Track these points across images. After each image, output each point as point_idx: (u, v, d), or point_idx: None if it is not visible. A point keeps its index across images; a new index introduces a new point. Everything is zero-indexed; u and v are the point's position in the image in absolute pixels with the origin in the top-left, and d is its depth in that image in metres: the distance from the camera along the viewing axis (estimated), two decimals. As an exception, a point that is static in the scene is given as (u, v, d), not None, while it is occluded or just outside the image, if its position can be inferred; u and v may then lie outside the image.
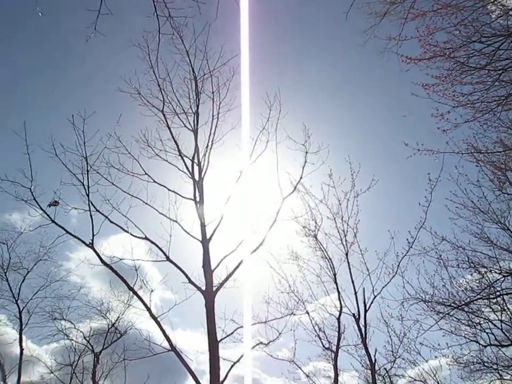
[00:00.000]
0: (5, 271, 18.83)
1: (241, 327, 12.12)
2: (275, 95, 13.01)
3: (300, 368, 14.52)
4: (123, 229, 12.46)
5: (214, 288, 11.94)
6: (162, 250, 12.28)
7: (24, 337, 18.76)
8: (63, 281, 20.51)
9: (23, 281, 19.14)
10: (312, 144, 13.13)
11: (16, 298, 18.92)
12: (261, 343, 12.96)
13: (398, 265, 13.79)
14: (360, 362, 14.52)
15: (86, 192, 12.36)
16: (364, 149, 23.35)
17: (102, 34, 6.79)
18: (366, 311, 13.77)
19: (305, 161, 13.11)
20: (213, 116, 13.35)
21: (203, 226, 12.44)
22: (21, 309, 18.85)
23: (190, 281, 12.07)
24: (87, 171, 12.36)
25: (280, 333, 12.96)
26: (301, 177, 13.27)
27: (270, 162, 13.13)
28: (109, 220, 12.39)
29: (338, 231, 14.35)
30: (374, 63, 17.44)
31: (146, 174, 12.93)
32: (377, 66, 17.44)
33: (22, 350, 18.23)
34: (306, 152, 13.12)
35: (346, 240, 14.22)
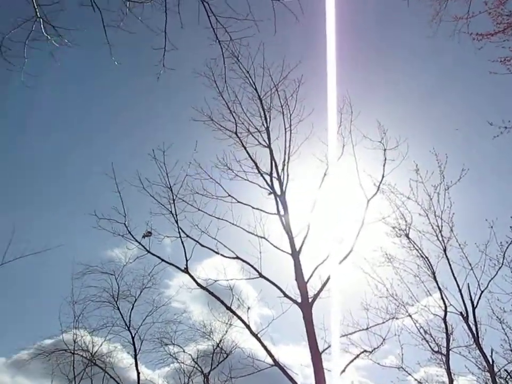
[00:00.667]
0: (116, 300, 20.15)
1: (344, 335, 11.97)
2: (344, 98, 12.98)
3: (410, 374, 13.96)
4: (214, 251, 12.87)
5: (310, 300, 11.90)
6: (254, 268, 12.52)
7: (139, 362, 19.82)
8: (167, 306, 21.46)
9: (132, 309, 20.35)
10: (390, 140, 12.89)
11: (128, 326, 20.10)
12: (365, 351, 12.66)
13: (504, 255, 12.98)
14: (476, 364, 13.65)
15: (175, 220, 12.97)
16: (447, 139, 22.21)
17: (171, 69, 7.31)
18: (474, 308, 12.99)
19: (385, 159, 12.89)
20: (285, 129, 13.59)
21: (291, 239, 12.53)
22: (133, 335, 20.00)
23: (285, 295, 12.15)
24: (173, 200, 13.00)
25: (384, 339, 12.60)
26: (383, 176, 13.01)
27: (349, 166, 13.02)
28: (199, 244, 12.87)
29: (433, 227, 13.81)
30: (444, 49, 16.66)
31: (229, 195, 13.33)
32: (448, 51, 16.64)
33: (138, 374, 19.30)
34: (385, 150, 12.89)
35: (442, 236, 13.64)
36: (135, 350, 19.78)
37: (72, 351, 19.37)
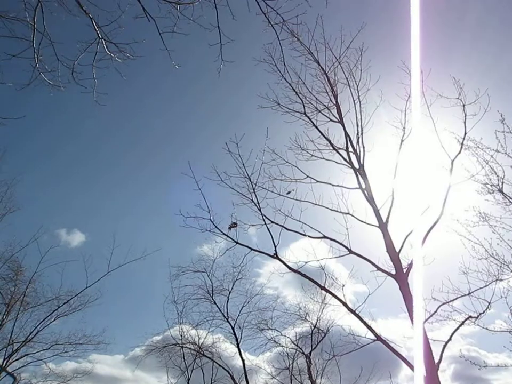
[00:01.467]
0: (211, 295, 21.10)
1: (445, 303, 11.51)
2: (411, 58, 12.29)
3: (524, 337, 13.07)
4: (300, 233, 12.90)
5: (405, 270, 11.59)
6: (343, 245, 12.41)
7: (242, 350, 20.64)
8: (260, 294, 22.09)
9: (227, 301, 21.21)
10: (468, 94, 12.07)
11: (227, 317, 21.02)
12: (470, 317, 12.07)
13: None
14: None
15: (258, 208, 13.17)
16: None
17: (230, 61, 7.40)
18: None
19: (465, 115, 12.09)
20: (354, 101, 13.29)
21: (376, 211, 12.26)
22: (233, 326, 20.86)
23: (378, 268, 11.93)
24: (253, 189, 13.19)
25: (489, 303, 11.92)
26: (465, 133, 12.20)
27: (427, 127, 12.39)
28: (285, 228, 12.97)
29: (528, 178, 12.71)
30: None
31: (308, 176, 13.31)
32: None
33: (243, 361, 20.11)
34: (464, 105, 12.09)
35: (541, 186, 12.52)
36: (236, 339, 20.60)
37: (181, 345, 20.61)
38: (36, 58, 6.39)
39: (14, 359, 18.23)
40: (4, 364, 17.40)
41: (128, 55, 7.03)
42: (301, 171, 13.38)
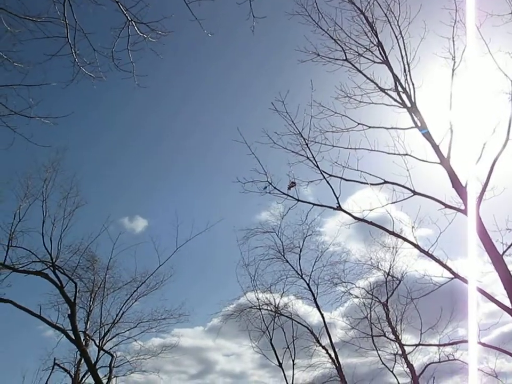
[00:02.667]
0: (283, 254, 21.47)
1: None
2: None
3: None
4: (360, 182, 12.66)
5: (474, 204, 11.11)
6: (405, 187, 12.05)
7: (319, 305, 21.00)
8: (330, 249, 22.25)
9: (299, 258, 21.55)
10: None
11: (301, 274, 21.41)
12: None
13: None
14: None
15: (314, 164, 13.00)
16: None
17: (262, 17, 7.21)
18: None
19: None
20: (396, 37, 12.59)
21: (436, 147, 11.76)
22: (308, 282, 21.20)
23: (446, 206, 11.53)
24: (306, 145, 13.00)
25: None
26: (525, 50, 11.27)
27: (480, 52, 11.54)
28: (344, 179, 12.73)
29: None
30: None
31: (359, 123, 12.92)
32: None
33: (322, 315, 20.55)
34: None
35: None
36: (313, 294, 20.95)
37: (258, 307, 21.24)
38: (74, 53, 6.55)
39: (108, 340, 19.65)
40: (100, 344, 18.78)
41: (160, 32, 7.04)
42: (351, 119, 13.01)
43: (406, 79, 12.48)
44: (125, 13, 6.44)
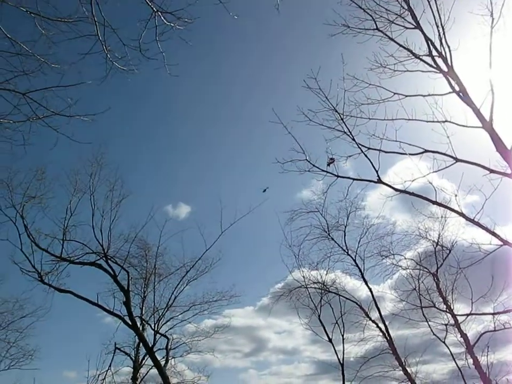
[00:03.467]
0: (328, 232, 21.51)
1: None
2: None
3: None
4: (400, 153, 12.43)
5: (521, 168, 10.72)
6: (447, 155, 11.73)
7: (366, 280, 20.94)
8: (374, 223, 22.03)
9: (344, 235, 21.54)
10: None
11: (347, 251, 21.39)
12: None
13: None
14: None
15: (351, 138, 12.85)
16: None
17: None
18: None
19: None
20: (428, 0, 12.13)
21: (477, 111, 11.35)
22: (354, 258, 21.16)
23: (491, 171, 11.16)
24: (342, 119, 12.85)
25: None
26: None
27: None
28: (382, 151, 12.51)
29: None
30: None
31: (395, 93, 12.64)
32: None
33: (370, 289, 20.49)
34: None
35: None
36: (360, 270, 20.89)
37: (305, 286, 21.41)
38: (105, 50, 6.76)
39: (162, 323, 20.42)
40: (156, 327, 19.56)
41: (186, 20, 7.14)
42: (387, 90, 12.72)
43: (441, 43, 12.06)
44: (150, 4, 6.57)
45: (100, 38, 6.58)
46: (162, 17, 6.88)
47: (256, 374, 33.60)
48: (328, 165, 13.48)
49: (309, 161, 13.22)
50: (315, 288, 21.81)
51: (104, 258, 17.82)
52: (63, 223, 17.66)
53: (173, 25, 7.09)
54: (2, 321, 19.85)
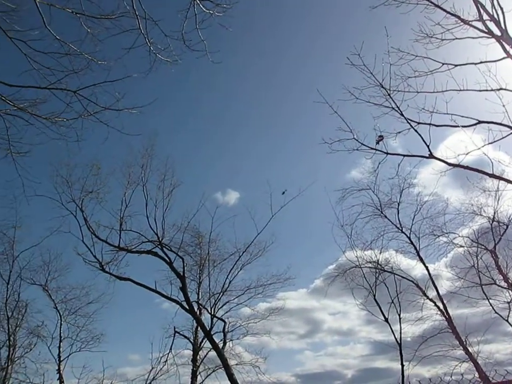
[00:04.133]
0: (381, 210, 21.20)
1: None
2: None
3: None
4: (452, 126, 11.97)
5: None
6: (503, 124, 11.13)
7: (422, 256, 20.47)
8: (428, 200, 21.46)
9: (398, 213, 21.12)
10: None
11: (400, 229, 20.97)
12: None
13: None
14: None
15: (399, 113, 12.41)
16: None
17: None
18: None
19: None
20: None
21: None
22: (409, 235, 20.74)
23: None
24: (389, 94, 12.46)
25: None
26: None
27: None
28: (433, 125, 12.01)
29: None
30: None
31: (443, 64, 12.11)
32: None
33: (426, 267, 20.00)
34: None
35: None
36: (415, 248, 20.42)
37: (359, 265, 21.20)
38: (148, 42, 6.90)
39: (219, 308, 20.90)
40: (212, 311, 20.06)
41: (224, 6, 7.15)
42: (435, 60, 12.19)
43: (493, 5, 11.37)
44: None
45: (142, 31, 6.72)
46: (201, 6, 6.92)
47: (312, 355, 33.85)
48: (377, 142, 13.16)
49: (357, 140, 12.97)
50: (370, 267, 21.56)
51: (159, 246, 18.44)
52: (119, 214, 18.45)
53: (211, 12, 7.11)
54: (71, 307, 21.02)
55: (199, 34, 7.36)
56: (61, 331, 19.97)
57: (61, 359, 19.05)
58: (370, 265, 21.46)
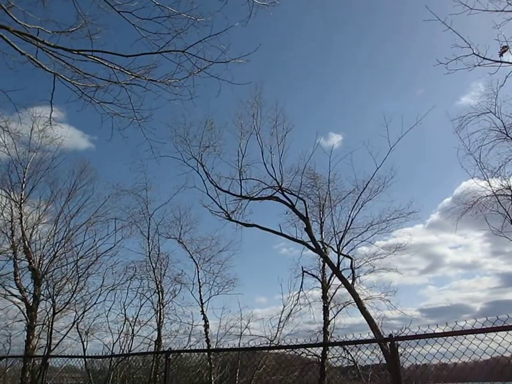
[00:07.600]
0: (506, 133, 18.98)
1: None
2: None
3: None
4: None
5: None
6: None
7: None
8: None
9: None
10: None
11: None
12: None
13: None
14: None
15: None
16: None
17: None
18: None
19: None
20: None
21: None
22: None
23: None
24: None
25: None
26: None
27: None
28: None
29: None
30: None
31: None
32: None
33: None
34: None
35: None
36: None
37: (494, 193, 19.52)
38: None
39: (343, 246, 21.05)
40: (338, 249, 20.29)
41: None
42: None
43: None
44: None
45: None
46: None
47: (435, 290, 32.96)
48: (501, 54, 11.68)
49: (477, 55, 11.62)
50: (504, 195, 19.71)
51: (280, 191, 18.96)
52: (238, 164, 19.28)
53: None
54: (205, 256, 22.80)
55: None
56: (199, 277, 21.81)
57: (203, 302, 20.93)
58: (503, 192, 19.61)
